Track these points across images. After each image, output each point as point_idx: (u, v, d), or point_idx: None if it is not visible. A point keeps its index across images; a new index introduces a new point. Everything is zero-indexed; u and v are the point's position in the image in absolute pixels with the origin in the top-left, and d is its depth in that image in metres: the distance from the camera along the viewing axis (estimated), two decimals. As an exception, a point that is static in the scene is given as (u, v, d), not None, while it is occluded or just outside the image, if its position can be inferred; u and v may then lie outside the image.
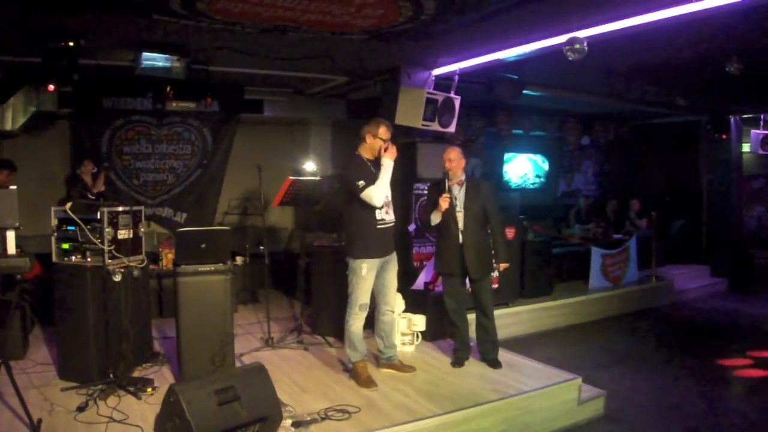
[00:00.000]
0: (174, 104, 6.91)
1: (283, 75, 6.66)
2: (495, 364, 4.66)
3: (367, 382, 4.20)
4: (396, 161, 4.27)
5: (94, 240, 4.02)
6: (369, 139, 4.24)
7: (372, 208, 4.15)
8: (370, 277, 4.22)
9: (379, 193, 4.11)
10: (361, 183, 4.09)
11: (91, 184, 6.14)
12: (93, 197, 5.71)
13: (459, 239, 4.57)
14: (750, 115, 9.35)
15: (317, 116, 8.28)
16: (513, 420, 3.97)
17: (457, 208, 4.58)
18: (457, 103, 6.08)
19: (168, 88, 6.31)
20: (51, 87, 5.33)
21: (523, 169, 10.61)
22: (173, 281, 4.21)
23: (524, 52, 5.13)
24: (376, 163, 4.23)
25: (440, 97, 5.91)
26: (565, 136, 10.70)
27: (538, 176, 10.68)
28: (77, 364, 4.16)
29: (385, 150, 4.18)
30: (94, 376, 4.06)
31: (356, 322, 4.27)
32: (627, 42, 4.71)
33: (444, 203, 4.44)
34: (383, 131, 4.21)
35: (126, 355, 4.10)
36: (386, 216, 4.25)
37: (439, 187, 4.60)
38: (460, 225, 4.57)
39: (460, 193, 4.62)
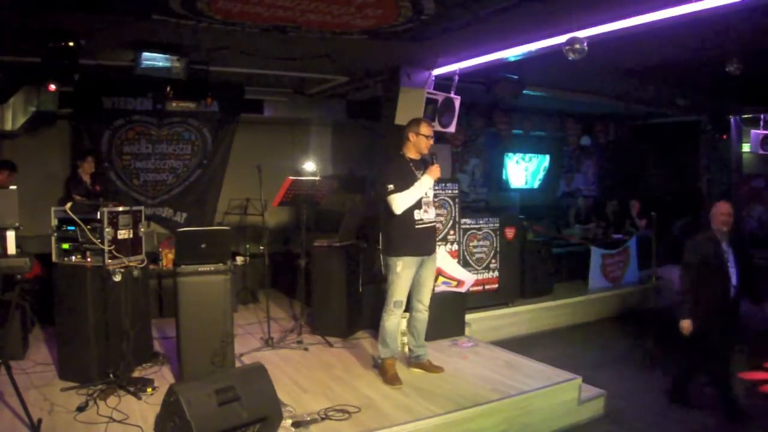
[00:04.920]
0: (174, 104, 6.92)
1: (283, 75, 6.66)
2: None
3: (393, 380, 4.24)
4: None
5: (94, 240, 4.02)
6: (413, 137, 4.25)
7: (410, 207, 4.15)
8: (406, 275, 4.22)
9: (402, 202, 4.11)
10: (390, 186, 4.11)
11: (89, 184, 6.14)
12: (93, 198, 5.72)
13: (729, 294, 4.32)
14: (750, 115, 9.35)
15: (317, 116, 8.28)
16: (513, 420, 3.97)
17: (729, 264, 4.33)
18: (457, 103, 6.08)
19: (168, 88, 6.30)
20: (52, 87, 5.33)
21: (521, 168, 10.64)
22: (173, 281, 4.21)
23: (524, 52, 5.14)
24: (420, 162, 4.27)
25: (440, 97, 5.91)
26: (565, 136, 10.71)
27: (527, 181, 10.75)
28: (77, 364, 4.16)
29: (427, 150, 4.24)
30: (94, 376, 4.06)
31: (390, 318, 4.28)
32: (627, 42, 4.71)
33: None
34: (424, 128, 4.24)
35: (126, 355, 4.10)
36: (425, 215, 4.25)
37: (713, 243, 4.33)
38: (734, 280, 4.33)
39: (728, 248, 4.40)
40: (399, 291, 4.23)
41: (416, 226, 4.21)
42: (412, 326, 4.50)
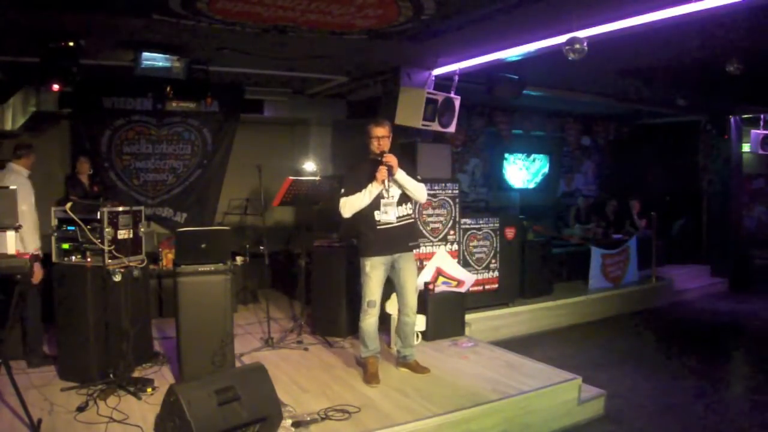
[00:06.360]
0: (174, 104, 6.92)
1: (283, 75, 6.66)
2: None
3: (370, 378, 4.24)
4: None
5: (94, 240, 4.01)
6: (367, 140, 4.25)
7: (369, 209, 4.15)
8: (375, 275, 4.22)
9: (349, 207, 4.14)
10: (343, 190, 4.16)
11: (88, 185, 6.13)
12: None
13: None
14: (750, 115, 9.36)
15: (317, 116, 8.28)
16: (513, 420, 3.97)
17: None
18: (457, 103, 6.08)
19: (168, 88, 6.30)
20: (55, 87, 5.33)
21: (521, 168, 10.64)
22: (173, 281, 4.21)
23: (524, 52, 5.14)
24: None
25: (440, 97, 5.91)
26: (565, 136, 10.70)
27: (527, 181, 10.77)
28: (77, 364, 4.16)
29: (381, 153, 4.13)
30: (94, 376, 4.06)
31: (365, 318, 4.28)
32: (627, 42, 4.71)
33: None
34: (371, 129, 4.20)
35: (126, 355, 4.10)
36: (384, 217, 4.20)
37: None
38: None
39: None
40: (370, 291, 4.23)
41: (377, 227, 4.20)
42: (400, 329, 4.51)
